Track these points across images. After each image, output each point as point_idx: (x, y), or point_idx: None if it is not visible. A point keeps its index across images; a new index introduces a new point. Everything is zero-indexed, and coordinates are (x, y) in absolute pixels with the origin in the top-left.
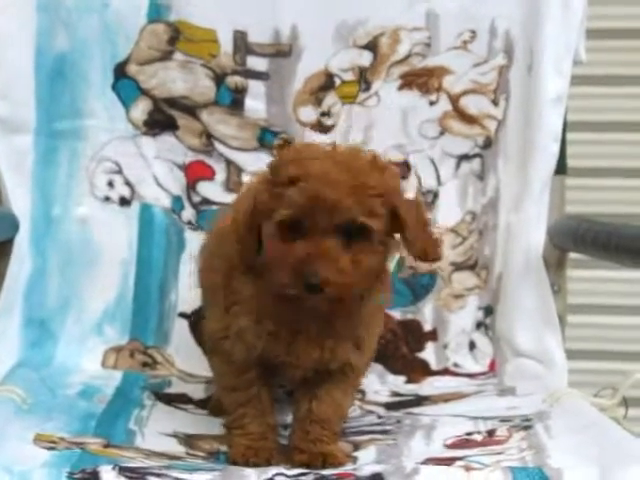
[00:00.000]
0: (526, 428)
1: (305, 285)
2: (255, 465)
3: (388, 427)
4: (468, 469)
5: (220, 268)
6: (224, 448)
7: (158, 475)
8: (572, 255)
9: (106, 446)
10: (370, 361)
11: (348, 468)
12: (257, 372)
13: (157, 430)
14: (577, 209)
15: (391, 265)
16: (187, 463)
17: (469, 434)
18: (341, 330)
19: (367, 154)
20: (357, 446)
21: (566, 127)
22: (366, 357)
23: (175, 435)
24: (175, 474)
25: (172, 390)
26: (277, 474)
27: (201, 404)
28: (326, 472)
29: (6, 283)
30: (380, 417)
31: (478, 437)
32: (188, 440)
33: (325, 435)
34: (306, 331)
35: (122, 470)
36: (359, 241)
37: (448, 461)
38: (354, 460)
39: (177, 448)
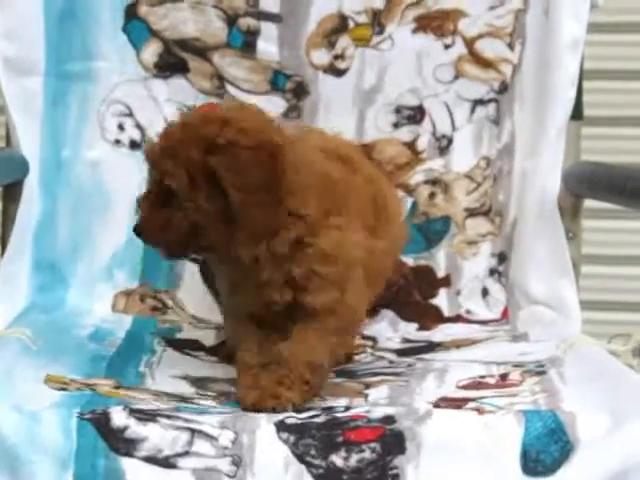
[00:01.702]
0: (539, 374)
1: None
2: None
3: (400, 370)
4: (481, 412)
5: None
6: (235, 389)
7: (168, 417)
8: (586, 205)
9: (117, 387)
10: (353, 304)
11: (360, 410)
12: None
13: (168, 373)
14: (592, 158)
15: (404, 211)
16: (197, 406)
17: (482, 377)
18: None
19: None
20: (368, 385)
21: (582, 75)
22: (326, 296)
23: (185, 377)
24: (186, 415)
25: (183, 336)
26: (288, 417)
27: (212, 351)
28: (339, 414)
29: (16, 226)
30: (391, 362)
31: (491, 380)
32: (198, 382)
33: (288, 378)
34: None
35: (132, 411)
36: (169, 200)
37: (461, 402)
38: (365, 397)
39: (187, 389)
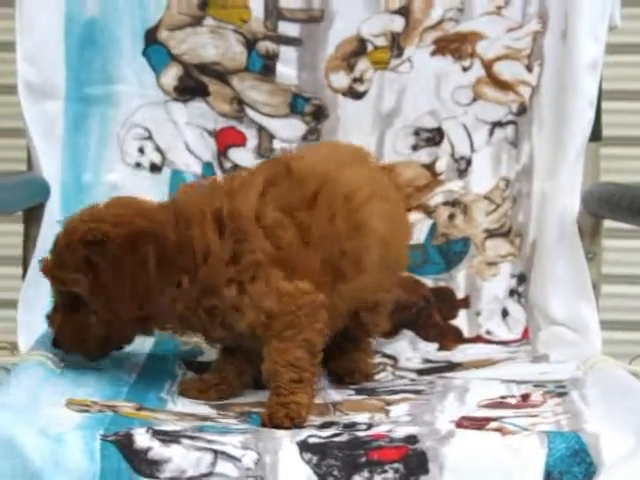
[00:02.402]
0: (561, 395)
1: None
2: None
3: (420, 388)
4: (504, 432)
5: None
6: (255, 409)
7: (191, 437)
8: (606, 225)
9: (139, 409)
10: (258, 301)
11: (382, 428)
12: None
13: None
14: (611, 178)
15: (424, 233)
16: (219, 424)
17: (503, 397)
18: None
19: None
20: (389, 403)
21: (601, 95)
22: (253, 314)
23: (206, 403)
24: (208, 436)
25: (204, 358)
26: (310, 435)
27: None
28: (361, 433)
29: (37, 249)
30: (412, 380)
31: (512, 400)
32: (219, 405)
33: (280, 387)
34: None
35: (155, 433)
36: (77, 306)
37: (483, 421)
38: (386, 413)
39: (208, 411)
